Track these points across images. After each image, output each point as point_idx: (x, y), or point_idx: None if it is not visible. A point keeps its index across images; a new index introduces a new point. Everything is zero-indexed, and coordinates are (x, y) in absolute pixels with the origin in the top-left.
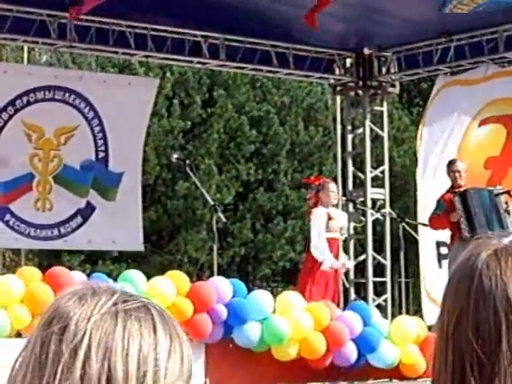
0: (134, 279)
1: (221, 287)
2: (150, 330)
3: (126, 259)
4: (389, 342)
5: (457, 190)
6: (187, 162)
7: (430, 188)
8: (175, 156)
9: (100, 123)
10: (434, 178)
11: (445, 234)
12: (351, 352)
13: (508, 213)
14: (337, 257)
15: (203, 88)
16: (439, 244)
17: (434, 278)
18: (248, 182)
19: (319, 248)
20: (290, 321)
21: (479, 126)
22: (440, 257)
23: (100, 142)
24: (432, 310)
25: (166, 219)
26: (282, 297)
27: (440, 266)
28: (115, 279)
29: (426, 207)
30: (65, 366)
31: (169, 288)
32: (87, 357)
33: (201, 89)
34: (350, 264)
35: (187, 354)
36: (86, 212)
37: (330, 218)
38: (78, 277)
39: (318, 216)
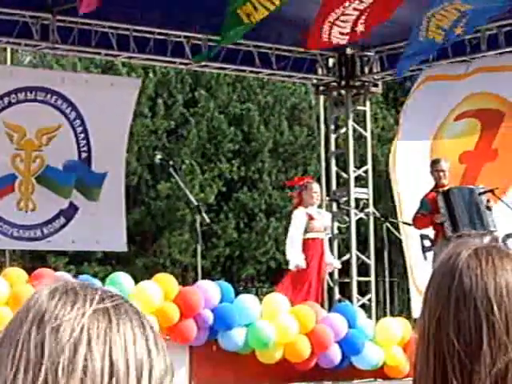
0: (122, 282)
1: (208, 292)
2: (140, 326)
3: (111, 261)
4: (373, 343)
5: (440, 190)
6: (170, 162)
7: (410, 186)
8: (158, 157)
9: (82, 124)
10: (412, 176)
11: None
12: (335, 354)
13: (489, 209)
14: (321, 257)
15: (186, 88)
16: (423, 237)
17: (421, 270)
18: (232, 181)
19: (290, 248)
20: (275, 325)
21: (455, 120)
22: (424, 249)
23: (83, 143)
24: (419, 302)
25: (149, 220)
26: (268, 299)
27: (425, 258)
28: (101, 281)
29: (405, 205)
30: (65, 363)
31: (156, 292)
32: (89, 350)
33: (183, 89)
34: (338, 263)
35: (165, 348)
36: (69, 212)
37: (311, 219)
38: (63, 278)
39: (296, 217)
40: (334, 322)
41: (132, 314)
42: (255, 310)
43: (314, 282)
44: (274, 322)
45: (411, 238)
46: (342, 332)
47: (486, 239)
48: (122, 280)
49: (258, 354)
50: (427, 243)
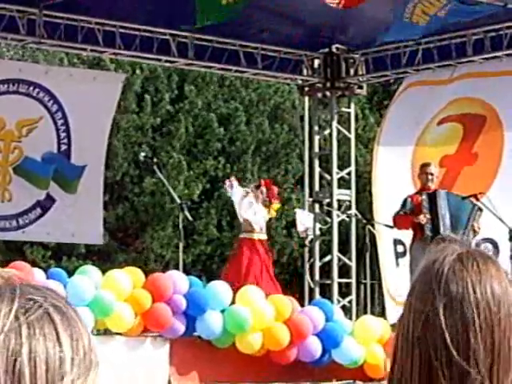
0: (90, 274)
1: (178, 280)
2: (55, 343)
3: (92, 256)
4: (353, 339)
5: (425, 192)
6: (155, 159)
7: (389, 191)
8: (143, 154)
9: (63, 116)
10: (392, 181)
11: (401, 232)
12: (315, 346)
13: (474, 232)
14: (263, 256)
15: (172, 85)
16: (396, 242)
17: (393, 277)
18: (216, 179)
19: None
20: (251, 310)
21: (438, 124)
22: (397, 255)
23: (63, 135)
24: (392, 308)
25: (132, 216)
26: (243, 290)
27: (397, 264)
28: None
29: (384, 208)
30: None
31: (125, 280)
32: None
33: (170, 85)
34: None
35: (89, 350)
36: (46, 204)
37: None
38: (37, 273)
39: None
40: (312, 314)
41: (49, 328)
42: (227, 294)
43: (262, 255)
44: (250, 308)
45: (385, 244)
46: (319, 324)
47: (461, 244)
48: (90, 272)
49: (237, 342)
50: (400, 249)
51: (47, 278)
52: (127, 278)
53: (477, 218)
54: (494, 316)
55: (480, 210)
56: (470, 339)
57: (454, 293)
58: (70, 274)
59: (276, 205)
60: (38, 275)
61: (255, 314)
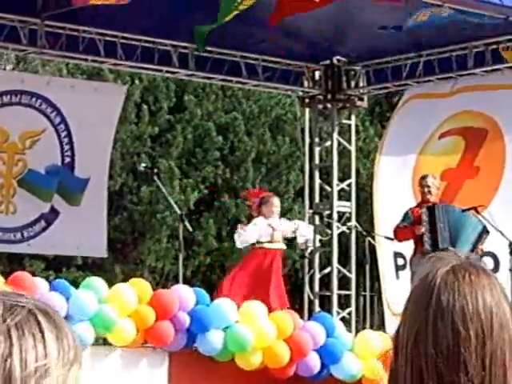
0: (96, 287)
1: (183, 295)
2: (40, 342)
3: (91, 267)
4: (353, 354)
5: (424, 205)
6: (155, 170)
7: (390, 203)
8: (143, 165)
9: (66, 128)
10: (393, 193)
11: (402, 245)
12: (314, 362)
13: (477, 253)
14: (277, 269)
15: (172, 95)
16: (396, 255)
17: (393, 289)
18: (215, 189)
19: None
20: (253, 329)
21: (439, 138)
22: (397, 268)
23: (66, 147)
24: (391, 320)
25: (130, 227)
26: (246, 305)
27: (397, 277)
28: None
29: (385, 220)
30: None
31: (131, 295)
32: None
33: (169, 96)
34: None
35: (73, 347)
36: (50, 216)
37: (273, 229)
38: (40, 283)
39: (257, 222)
40: (313, 330)
41: (35, 328)
42: (232, 313)
43: (270, 290)
44: (253, 326)
45: (385, 256)
46: (320, 340)
47: (462, 256)
48: (96, 285)
49: (237, 359)
50: (401, 261)
51: (50, 289)
52: (133, 293)
53: (483, 240)
54: (486, 328)
55: (488, 232)
56: (461, 351)
57: (445, 304)
58: (70, 284)
59: None
60: (40, 286)
61: (257, 333)
